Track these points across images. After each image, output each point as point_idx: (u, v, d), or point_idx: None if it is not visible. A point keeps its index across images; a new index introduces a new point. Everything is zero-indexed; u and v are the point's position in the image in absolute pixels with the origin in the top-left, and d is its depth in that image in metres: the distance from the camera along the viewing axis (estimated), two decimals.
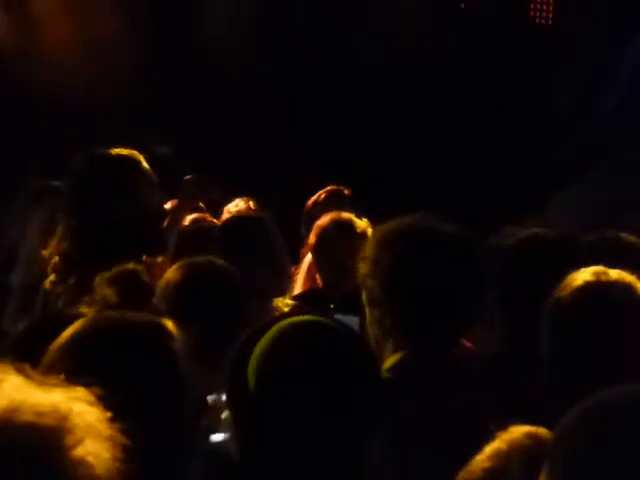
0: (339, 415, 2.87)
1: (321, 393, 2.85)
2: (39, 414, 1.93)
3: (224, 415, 3.81)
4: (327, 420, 2.86)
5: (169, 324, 3.25)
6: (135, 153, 5.22)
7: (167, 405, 2.56)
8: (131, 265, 4.34)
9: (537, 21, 14.58)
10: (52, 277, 4.79)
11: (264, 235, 5.79)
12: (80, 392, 2.02)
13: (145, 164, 5.20)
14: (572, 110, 12.88)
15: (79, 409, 1.98)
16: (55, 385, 2.04)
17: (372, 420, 2.91)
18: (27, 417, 1.91)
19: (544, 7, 14.90)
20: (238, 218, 5.80)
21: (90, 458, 1.93)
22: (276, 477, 2.87)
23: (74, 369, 2.65)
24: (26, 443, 1.92)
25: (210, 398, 3.82)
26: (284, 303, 5.43)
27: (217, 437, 3.75)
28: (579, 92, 12.90)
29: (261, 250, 5.57)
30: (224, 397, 3.66)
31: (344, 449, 2.89)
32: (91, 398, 2.03)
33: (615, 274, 3.69)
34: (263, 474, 2.87)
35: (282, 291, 5.37)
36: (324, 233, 6.39)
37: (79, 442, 1.94)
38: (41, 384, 2.02)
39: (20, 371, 2.03)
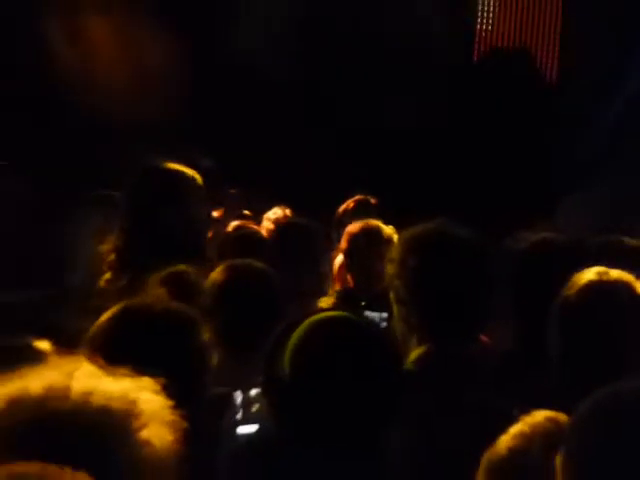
0: (363, 401, 2.91)
1: (348, 382, 2.89)
2: (110, 399, 2.07)
3: (254, 409, 3.81)
4: (352, 406, 2.89)
5: (195, 313, 3.40)
6: (186, 168, 5.26)
7: (190, 387, 2.60)
8: (182, 267, 4.38)
9: None
10: (107, 276, 4.80)
11: (313, 241, 5.84)
12: (146, 382, 2.15)
13: (194, 178, 5.23)
14: (581, 112, 12.52)
15: (145, 397, 2.11)
16: (125, 375, 2.15)
17: (392, 408, 2.95)
18: (100, 401, 2.06)
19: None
20: (292, 225, 5.80)
21: (154, 440, 2.08)
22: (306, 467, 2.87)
23: (107, 348, 2.87)
24: (98, 424, 2.05)
25: (239, 393, 3.81)
26: (327, 303, 5.38)
27: (247, 429, 3.72)
28: (587, 95, 12.57)
29: (310, 255, 5.61)
30: (253, 392, 3.77)
31: (368, 436, 2.93)
32: (156, 387, 2.16)
33: (616, 274, 3.71)
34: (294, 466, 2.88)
35: (324, 292, 5.32)
36: (354, 239, 6.35)
37: (144, 426, 2.08)
38: (112, 373, 2.14)
39: (93, 361, 2.19)
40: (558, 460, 2.17)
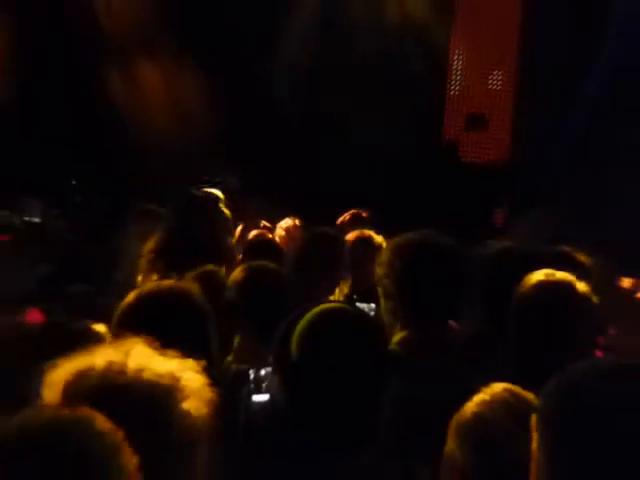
0: (358, 374, 2.91)
1: (345, 360, 2.90)
2: (159, 376, 2.17)
3: (266, 383, 3.84)
4: (349, 379, 2.89)
5: (196, 292, 3.45)
6: (214, 193, 5.37)
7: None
8: (210, 267, 4.40)
9: None
10: (144, 273, 4.85)
11: (337, 249, 5.77)
12: (190, 363, 2.25)
13: (218, 200, 5.37)
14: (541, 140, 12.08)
15: (188, 375, 2.22)
16: (173, 356, 2.25)
17: (381, 379, 2.96)
18: (150, 377, 2.16)
19: None
20: (319, 235, 5.74)
21: (193, 413, 2.16)
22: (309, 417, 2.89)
23: (128, 323, 2.91)
24: (148, 396, 2.13)
25: (253, 371, 3.83)
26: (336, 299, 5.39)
27: (260, 398, 3.77)
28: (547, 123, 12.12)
29: (333, 261, 5.53)
30: (263, 372, 3.78)
31: (364, 402, 2.93)
32: (197, 368, 2.25)
33: (560, 275, 3.73)
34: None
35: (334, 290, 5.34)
36: (352, 246, 6.31)
37: (186, 399, 2.16)
38: (162, 354, 2.25)
39: (146, 343, 2.28)
40: (534, 432, 2.13)
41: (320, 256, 5.22)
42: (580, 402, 2.08)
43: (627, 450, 2.00)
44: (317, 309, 3.02)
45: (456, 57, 12.96)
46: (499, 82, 13.77)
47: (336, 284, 5.32)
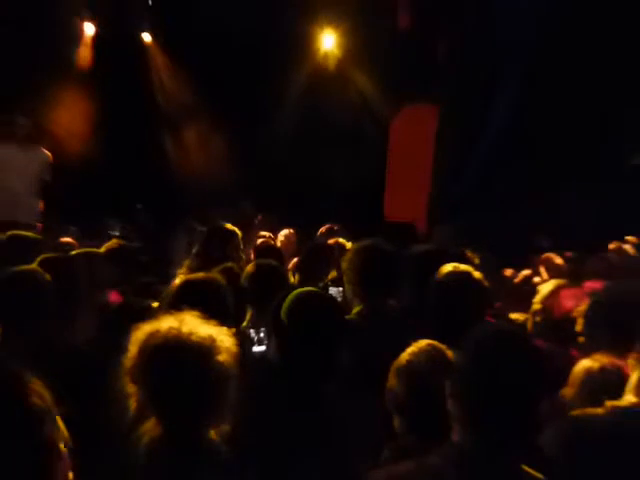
0: (328, 333, 2.90)
1: (317, 323, 2.89)
2: (203, 337, 2.20)
3: (264, 338, 3.81)
4: (321, 335, 2.89)
5: (222, 281, 3.44)
6: (233, 227, 5.35)
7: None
8: (229, 264, 4.39)
9: None
10: (185, 270, 4.84)
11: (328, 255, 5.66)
12: (224, 329, 2.27)
13: (234, 232, 5.29)
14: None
15: (222, 337, 2.23)
16: (214, 324, 2.27)
17: (342, 338, 2.95)
18: (197, 338, 2.17)
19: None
20: (319, 246, 5.75)
21: (227, 363, 2.20)
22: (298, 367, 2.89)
23: (177, 301, 2.84)
24: (196, 351, 2.18)
25: (255, 331, 3.88)
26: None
27: (259, 349, 3.79)
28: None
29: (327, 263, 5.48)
30: (262, 333, 3.84)
31: (333, 350, 2.93)
32: (227, 332, 2.29)
33: (462, 267, 3.67)
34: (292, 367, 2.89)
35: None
36: None
37: (221, 354, 2.20)
38: (206, 323, 2.25)
39: (194, 314, 2.28)
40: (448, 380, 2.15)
41: (326, 262, 5.21)
42: (478, 352, 2.12)
43: (502, 381, 2.03)
44: (297, 291, 3.03)
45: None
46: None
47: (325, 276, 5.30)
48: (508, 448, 2.05)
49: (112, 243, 5.04)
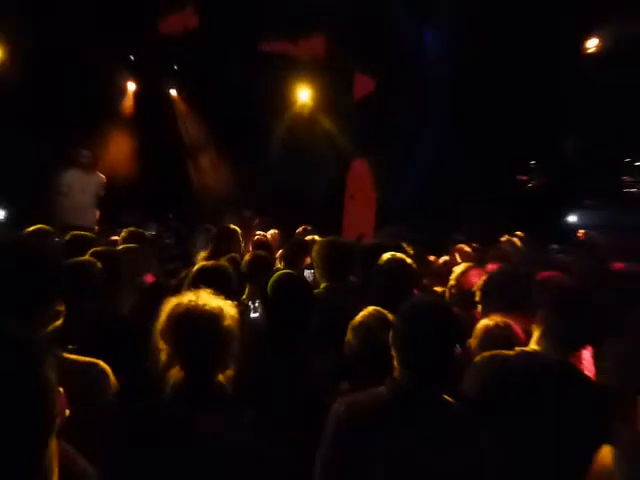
0: (300, 303, 2.92)
1: (291, 296, 2.90)
2: (214, 307, 2.14)
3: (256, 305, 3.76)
4: (294, 307, 2.90)
5: (228, 267, 3.39)
6: (236, 228, 5.18)
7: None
8: (234, 254, 4.40)
9: None
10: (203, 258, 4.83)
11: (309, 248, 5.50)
12: (229, 302, 2.21)
13: (237, 231, 5.15)
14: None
15: (228, 307, 2.17)
16: (222, 298, 2.22)
17: (309, 305, 2.96)
18: (210, 307, 2.12)
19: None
20: (298, 241, 5.46)
21: (231, 326, 2.14)
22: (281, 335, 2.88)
23: (195, 282, 2.81)
24: (209, 317, 2.12)
25: (252, 302, 3.77)
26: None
27: (254, 315, 3.70)
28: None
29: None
30: (257, 302, 3.74)
31: (303, 319, 2.94)
32: (233, 304, 2.24)
33: (399, 255, 3.61)
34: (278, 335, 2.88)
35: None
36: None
37: (227, 319, 2.15)
38: (216, 297, 2.19)
39: (207, 291, 2.23)
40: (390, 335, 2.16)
41: (303, 253, 5.06)
42: (409, 314, 2.11)
43: (425, 334, 2.04)
44: (278, 273, 3.01)
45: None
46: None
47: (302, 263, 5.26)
48: (432, 381, 2.06)
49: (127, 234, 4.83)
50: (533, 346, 2.51)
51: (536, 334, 2.52)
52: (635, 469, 1.71)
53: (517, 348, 2.50)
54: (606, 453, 1.79)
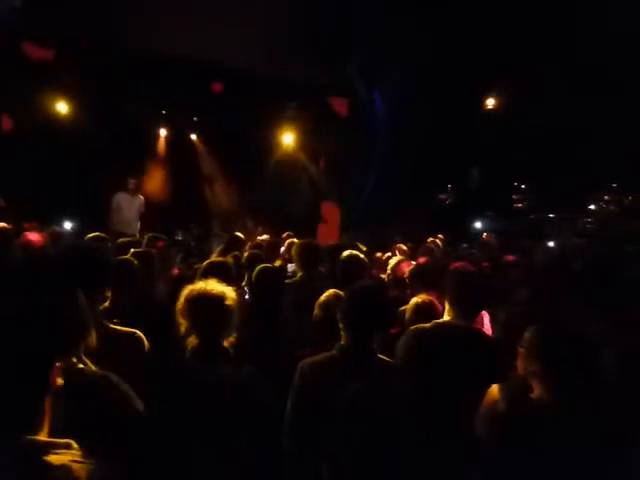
0: (272, 286, 2.84)
1: (266, 283, 2.83)
2: (219, 291, 2.05)
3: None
4: (271, 288, 2.82)
5: (230, 261, 3.27)
6: (240, 235, 5.03)
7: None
8: (236, 252, 4.28)
9: None
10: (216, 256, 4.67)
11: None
12: (230, 288, 2.09)
13: (241, 237, 4.98)
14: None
15: (229, 291, 2.06)
16: (225, 285, 2.12)
17: (280, 287, 2.89)
18: (216, 292, 2.02)
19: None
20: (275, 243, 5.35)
21: (232, 305, 2.05)
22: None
23: (206, 273, 2.73)
24: (215, 299, 2.05)
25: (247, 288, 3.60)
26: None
27: (247, 296, 3.57)
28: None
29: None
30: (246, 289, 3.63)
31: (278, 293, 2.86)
32: (233, 289, 2.12)
33: (355, 252, 3.53)
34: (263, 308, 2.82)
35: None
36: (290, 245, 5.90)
37: (228, 300, 2.05)
38: (220, 283, 2.08)
39: (214, 280, 2.13)
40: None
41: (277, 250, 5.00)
42: (353, 293, 2.10)
43: (366, 308, 2.03)
44: (260, 266, 2.95)
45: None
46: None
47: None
48: (368, 344, 2.04)
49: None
50: (445, 316, 2.50)
51: (447, 307, 2.52)
52: (514, 402, 1.71)
53: (433, 321, 2.49)
54: (494, 389, 1.80)
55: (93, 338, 1.41)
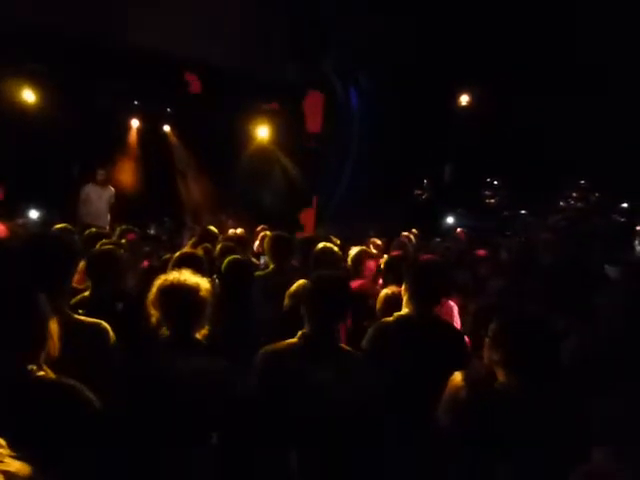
0: (246, 277, 2.83)
1: (233, 275, 2.81)
2: (194, 282, 2.04)
3: None
4: (244, 278, 2.81)
5: (200, 253, 3.17)
6: (212, 228, 4.97)
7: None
8: (208, 245, 4.18)
9: None
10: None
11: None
12: (204, 279, 2.08)
13: (214, 230, 4.95)
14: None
15: (203, 282, 2.05)
16: (199, 276, 2.11)
17: (250, 283, 2.87)
18: (189, 282, 2.00)
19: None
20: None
21: (204, 296, 2.03)
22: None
23: (178, 264, 2.58)
24: (189, 289, 2.04)
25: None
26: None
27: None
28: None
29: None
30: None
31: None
32: (207, 280, 2.12)
33: (329, 244, 3.54)
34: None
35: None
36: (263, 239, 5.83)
37: (202, 291, 2.03)
38: (194, 274, 2.07)
39: (187, 271, 2.11)
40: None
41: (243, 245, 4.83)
42: (317, 282, 2.12)
43: (328, 297, 2.06)
44: (231, 257, 2.93)
45: None
46: None
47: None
48: (332, 333, 2.05)
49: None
50: (404, 308, 2.49)
51: (405, 299, 2.50)
52: (477, 388, 1.77)
53: (395, 313, 2.46)
54: (457, 376, 1.85)
55: (55, 346, 1.45)
